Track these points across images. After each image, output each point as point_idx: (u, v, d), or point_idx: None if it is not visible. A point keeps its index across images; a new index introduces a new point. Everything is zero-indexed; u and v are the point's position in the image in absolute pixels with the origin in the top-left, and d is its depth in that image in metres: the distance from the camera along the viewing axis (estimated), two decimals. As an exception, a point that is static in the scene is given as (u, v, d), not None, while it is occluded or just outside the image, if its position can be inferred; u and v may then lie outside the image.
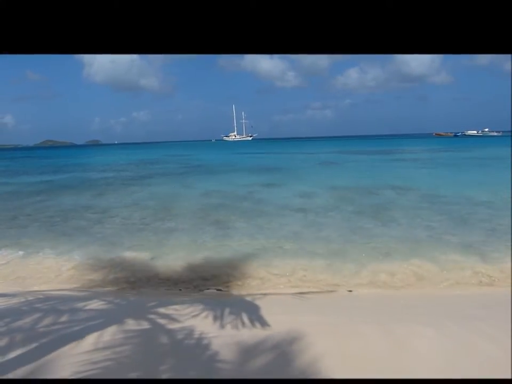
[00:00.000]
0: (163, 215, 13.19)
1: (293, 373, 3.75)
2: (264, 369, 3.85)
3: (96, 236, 10.66)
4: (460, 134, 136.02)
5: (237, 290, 6.57)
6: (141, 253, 8.90)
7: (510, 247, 8.04)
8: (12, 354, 4.07)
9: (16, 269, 7.90)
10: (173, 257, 8.47)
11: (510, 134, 73.01)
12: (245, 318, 5.05)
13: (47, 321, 4.92)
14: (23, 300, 5.84)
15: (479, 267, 7.38)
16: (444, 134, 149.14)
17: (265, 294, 6.36)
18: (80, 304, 5.69)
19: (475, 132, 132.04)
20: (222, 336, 4.50)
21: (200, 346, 4.30)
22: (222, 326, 4.83)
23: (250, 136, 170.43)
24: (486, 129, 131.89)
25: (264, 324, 4.87)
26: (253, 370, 3.81)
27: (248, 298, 6.07)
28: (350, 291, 6.45)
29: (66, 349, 4.19)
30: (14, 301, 5.80)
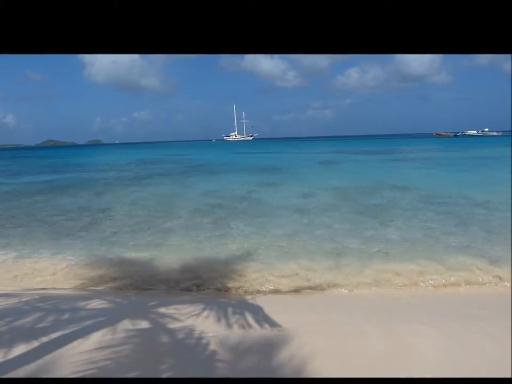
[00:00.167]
0: (163, 215, 13.19)
1: (292, 372, 3.76)
2: (265, 368, 3.85)
3: (96, 235, 10.66)
4: (459, 133, 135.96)
5: (237, 290, 6.57)
6: (141, 252, 8.91)
7: (510, 247, 8.04)
8: (13, 354, 4.08)
9: (16, 269, 7.91)
10: (173, 257, 8.47)
11: (510, 133, 73.02)
12: (245, 317, 5.05)
13: (48, 320, 4.93)
14: (24, 299, 5.85)
15: (479, 267, 7.38)
16: (444, 133, 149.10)
17: (265, 294, 6.37)
18: (81, 304, 5.69)
19: (475, 131, 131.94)
20: (222, 336, 4.50)
21: (200, 345, 4.30)
22: (222, 326, 4.84)
23: (251, 136, 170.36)
24: (486, 129, 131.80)
25: (264, 323, 4.87)
26: (253, 369, 3.81)
27: (248, 298, 6.07)
28: (351, 291, 6.45)
29: (67, 348, 4.20)
30: (15, 300, 5.80)
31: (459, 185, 17.82)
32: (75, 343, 4.30)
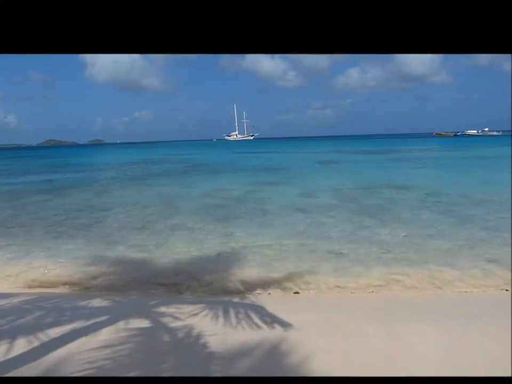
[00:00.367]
0: (164, 215, 13.20)
1: (293, 371, 3.76)
2: (265, 366, 3.86)
3: (97, 235, 10.68)
4: (460, 133, 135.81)
5: (238, 289, 6.57)
6: (141, 252, 8.92)
7: (510, 247, 8.03)
8: (14, 353, 4.09)
9: (14, 268, 7.92)
10: (174, 257, 8.48)
11: (510, 133, 72.93)
12: (246, 316, 5.06)
13: (49, 319, 4.94)
14: (25, 298, 5.87)
15: (479, 267, 7.38)
16: (444, 133, 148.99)
17: (265, 294, 6.37)
18: (81, 303, 5.71)
19: (475, 131, 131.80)
20: (223, 334, 4.51)
21: (201, 344, 4.31)
22: (223, 325, 4.84)
23: (252, 136, 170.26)
24: (486, 129, 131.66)
25: (265, 322, 4.87)
26: (253, 368, 3.82)
27: (249, 298, 6.08)
28: (353, 292, 6.45)
29: (68, 347, 4.21)
30: (16, 299, 5.82)
31: (460, 185, 17.81)
32: (76, 343, 4.31)
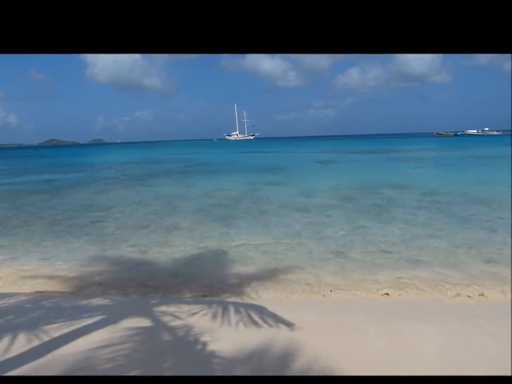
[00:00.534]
0: (164, 214, 13.21)
1: (293, 370, 3.76)
2: (266, 366, 3.86)
3: (98, 234, 10.68)
4: (460, 133, 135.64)
5: (239, 289, 6.57)
6: (142, 252, 8.92)
7: (510, 246, 8.03)
8: (14, 352, 4.09)
9: (13, 268, 7.92)
10: (174, 257, 8.49)
11: (510, 133, 72.85)
12: (247, 316, 5.06)
13: (49, 318, 4.94)
14: (25, 297, 5.87)
15: (478, 266, 7.38)
16: (444, 133, 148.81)
17: (266, 294, 6.37)
18: (82, 302, 5.71)
19: (475, 131, 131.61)
20: (223, 334, 4.51)
21: (202, 343, 4.31)
22: (224, 324, 4.84)
23: (252, 135, 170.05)
24: (486, 129, 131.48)
25: (265, 322, 4.88)
26: (254, 367, 3.82)
27: (250, 297, 6.08)
28: (353, 292, 6.44)
29: (69, 346, 4.21)
30: (17, 299, 5.82)
31: (460, 185, 17.80)
32: (76, 342, 4.31)
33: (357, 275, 7.10)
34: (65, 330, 4.61)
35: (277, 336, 4.47)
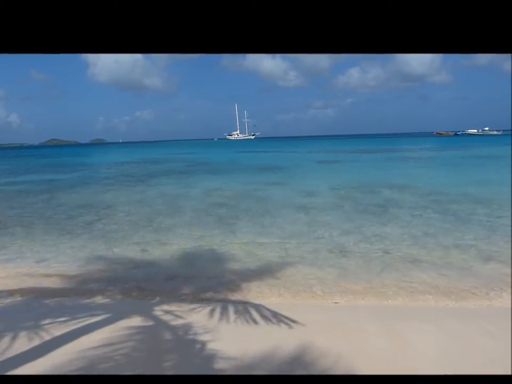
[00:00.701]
0: (165, 214, 13.22)
1: (293, 369, 3.77)
2: (267, 364, 3.86)
3: (98, 234, 10.69)
4: (460, 133, 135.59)
5: (240, 289, 6.58)
6: (142, 251, 8.93)
7: (510, 246, 8.03)
8: (15, 352, 4.10)
9: (13, 268, 7.94)
10: (174, 256, 8.50)
11: (510, 132, 72.78)
12: (248, 316, 5.07)
13: (50, 318, 4.95)
14: (26, 297, 5.88)
15: (478, 266, 7.39)
16: (444, 133, 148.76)
17: (267, 293, 6.37)
18: (83, 302, 5.72)
19: (475, 130, 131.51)
20: (224, 334, 4.52)
21: (202, 343, 4.31)
22: (225, 324, 4.85)
23: (253, 135, 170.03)
24: (486, 128, 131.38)
25: (266, 320, 4.88)
26: (254, 366, 3.82)
27: (251, 297, 6.08)
28: (352, 292, 6.45)
29: (69, 346, 4.22)
30: (18, 298, 5.83)
31: (460, 184, 17.79)
32: (76, 341, 4.32)
33: (357, 275, 7.10)
34: (65, 330, 4.61)
35: (276, 336, 4.48)
